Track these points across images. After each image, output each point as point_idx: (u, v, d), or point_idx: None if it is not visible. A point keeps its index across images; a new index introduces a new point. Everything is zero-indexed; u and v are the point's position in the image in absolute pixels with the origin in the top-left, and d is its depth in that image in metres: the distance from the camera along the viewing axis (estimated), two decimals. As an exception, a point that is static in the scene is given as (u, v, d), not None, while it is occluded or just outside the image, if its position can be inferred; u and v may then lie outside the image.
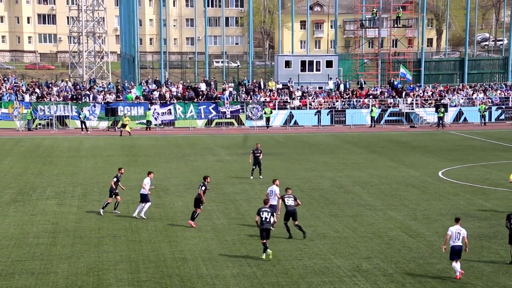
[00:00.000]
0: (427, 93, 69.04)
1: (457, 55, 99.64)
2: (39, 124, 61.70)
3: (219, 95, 66.02)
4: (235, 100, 65.19)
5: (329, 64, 72.90)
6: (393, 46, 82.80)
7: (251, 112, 64.49)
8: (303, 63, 73.31)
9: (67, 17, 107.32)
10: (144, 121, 62.67)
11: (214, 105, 64.08)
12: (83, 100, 62.78)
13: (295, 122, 64.93)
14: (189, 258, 22.50)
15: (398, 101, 66.68)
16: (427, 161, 43.27)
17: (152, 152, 47.97)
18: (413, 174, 38.55)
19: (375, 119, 64.49)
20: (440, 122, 63.10)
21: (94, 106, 62.49)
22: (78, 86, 67.21)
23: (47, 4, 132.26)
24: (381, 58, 76.34)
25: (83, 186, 34.90)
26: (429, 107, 66.15)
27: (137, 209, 28.17)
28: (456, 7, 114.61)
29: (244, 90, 67.32)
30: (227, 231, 25.91)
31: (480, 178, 36.99)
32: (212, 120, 64.13)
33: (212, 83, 69.95)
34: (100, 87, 68.19)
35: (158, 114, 63.30)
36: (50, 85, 67.11)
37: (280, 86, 69.36)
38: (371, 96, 67.43)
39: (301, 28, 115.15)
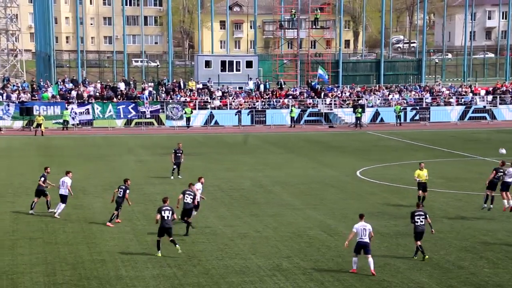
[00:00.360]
0: (345, 93, 70.21)
1: (373, 56, 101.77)
2: None
3: (139, 95, 65.31)
4: (155, 100, 64.64)
5: (249, 64, 73.18)
6: (311, 47, 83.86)
7: (171, 112, 64.07)
8: (223, 63, 73.32)
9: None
10: (61, 120, 61.41)
11: (133, 104, 63.35)
12: (-4, 99, 61.09)
13: (216, 122, 64.89)
14: (108, 260, 22.16)
15: (317, 101, 67.58)
16: (345, 161, 44.01)
17: (69, 153, 47.02)
18: (331, 173, 39.13)
19: (294, 119, 65.15)
20: (358, 122, 64.27)
21: (8, 105, 60.81)
22: (-10, 85, 65.28)
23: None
24: (300, 59, 77.19)
25: (-3, 188, 33.88)
26: (347, 107, 67.27)
27: (57, 209, 27.78)
28: (372, 9, 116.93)
29: (164, 89, 66.80)
30: (147, 232, 25.64)
31: (396, 177, 37.87)
32: (132, 120, 63.37)
33: (131, 82, 69.16)
34: (14, 86, 66.47)
35: (76, 113, 62.12)
36: (-38, 83, 64.91)
37: (200, 86, 69.17)
38: (290, 97, 68.07)
39: (220, 28, 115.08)
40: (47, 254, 22.72)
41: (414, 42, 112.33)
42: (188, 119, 63.67)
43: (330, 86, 72.47)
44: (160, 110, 63.81)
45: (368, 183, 36.39)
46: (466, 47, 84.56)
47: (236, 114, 65.07)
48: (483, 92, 71.56)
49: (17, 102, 61.23)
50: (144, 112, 63.41)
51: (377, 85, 74.77)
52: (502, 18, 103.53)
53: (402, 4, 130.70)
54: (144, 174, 38.29)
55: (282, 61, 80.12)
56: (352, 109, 65.92)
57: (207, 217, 27.94)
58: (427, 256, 22.33)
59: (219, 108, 65.73)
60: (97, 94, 64.81)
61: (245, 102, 66.62)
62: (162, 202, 23.21)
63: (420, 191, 30.28)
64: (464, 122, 67.61)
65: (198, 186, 26.91)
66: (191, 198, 25.28)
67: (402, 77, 80.00)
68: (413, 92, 71.64)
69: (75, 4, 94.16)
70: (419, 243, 22.31)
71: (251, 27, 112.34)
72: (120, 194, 26.40)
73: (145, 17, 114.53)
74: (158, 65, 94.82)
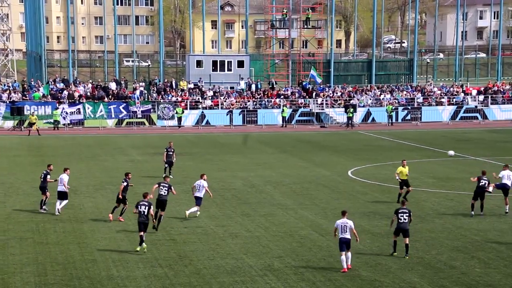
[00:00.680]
0: (337, 93, 70.27)
1: (365, 56, 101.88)
2: None
3: (130, 95, 65.21)
4: (146, 100, 64.53)
5: (240, 64, 73.11)
6: (303, 47, 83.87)
7: (163, 112, 63.97)
8: (214, 63, 73.22)
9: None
10: (52, 120, 61.21)
11: (124, 104, 63.23)
12: (-13, 99, 60.85)
13: (207, 122, 64.83)
14: (99, 260, 22.10)
15: (309, 101, 67.61)
16: (337, 161, 44.03)
17: (60, 152, 46.85)
18: (323, 173, 39.14)
19: (286, 119, 65.15)
20: (349, 122, 64.34)
21: (-1, 105, 60.70)
22: (-19, 85, 65.04)
23: None
24: (291, 59, 77.19)
25: (-13, 188, 33.71)
26: (339, 107, 67.35)
27: (56, 206, 27.90)
28: (364, 9, 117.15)
29: (155, 89, 66.70)
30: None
31: (388, 177, 37.85)
32: (123, 119, 63.27)
33: (122, 82, 69.02)
34: (5, 85, 66.25)
35: (67, 113, 61.95)
36: (-48, 83, 64.61)
37: (191, 85, 69.08)
38: (282, 96, 68.08)
39: (212, 28, 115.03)
40: (38, 254, 22.64)
41: (404, 42, 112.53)
42: (179, 119, 63.60)
43: (321, 86, 72.51)
44: (151, 110, 63.72)
45: (359, 183, 36.42)
46: (457, 47, 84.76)
47: (227, 114, 65.02)
48: (474, 92, 71.77)
49: (8, 102, 61.03)
50: (135, 112, 63.31)
51: (369, 85, 74.87)
52: (494, 18, 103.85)
53: (394, 4, 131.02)
54: (136, 173, 38.13)
55: (273, 61, 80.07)
56: (343, 109, 66.00)
57: (198, 217, 27.92)
58: (407, 257, 22.47)
59: (210, 108, 65.68)
60: (88, 94, 64.65)
61: (236, 102, 66.57)
62: (142, 197, 23.39)
63: (402, 190, 30.50)
64: (456, 122, 67.81)
65: (204, 183, 27.38)
66: (165, 190, 26.05)
67: (394, 77, 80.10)
68: (405, 92, 71.77)
69: (66, 4, 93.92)
70: (407, 241, 22.52)
71: (242, 26, 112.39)
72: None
73: (137, 17, 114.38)
74: (149, 64, 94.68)
